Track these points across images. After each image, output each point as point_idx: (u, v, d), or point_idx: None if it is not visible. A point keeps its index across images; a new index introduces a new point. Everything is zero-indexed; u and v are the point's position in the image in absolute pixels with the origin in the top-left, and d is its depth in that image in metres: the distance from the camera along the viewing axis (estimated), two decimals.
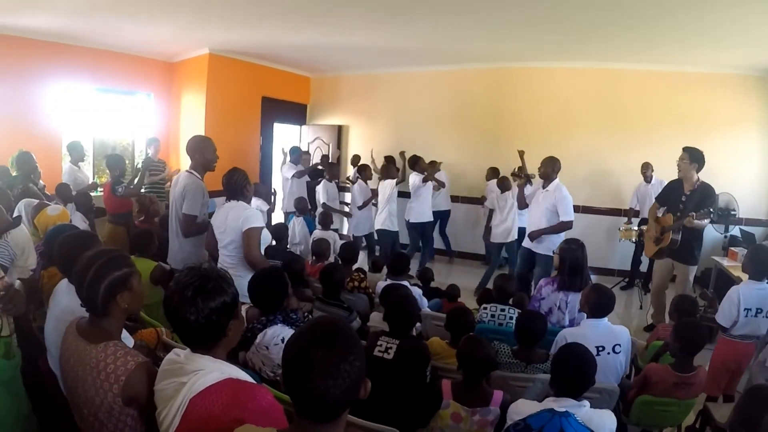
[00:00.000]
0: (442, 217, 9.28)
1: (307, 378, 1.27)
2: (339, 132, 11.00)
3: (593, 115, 8.82)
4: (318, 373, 1.27)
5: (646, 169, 7.89)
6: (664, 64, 8.23)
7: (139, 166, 7.90)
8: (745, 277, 4.18)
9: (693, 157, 5.38)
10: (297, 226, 7.37)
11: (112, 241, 5.86)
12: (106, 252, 2.10)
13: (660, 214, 5.70)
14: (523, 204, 6.44)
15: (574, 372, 2.42)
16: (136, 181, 6.75)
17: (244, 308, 3.27)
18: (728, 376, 4.06)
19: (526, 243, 6.09)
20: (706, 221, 5.21)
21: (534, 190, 6.21)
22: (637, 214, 7.94)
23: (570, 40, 7.34)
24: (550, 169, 5.90)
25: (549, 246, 5.80)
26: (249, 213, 4.01)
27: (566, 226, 5.78)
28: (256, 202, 6.43)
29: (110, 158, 6.49)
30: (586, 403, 2.38)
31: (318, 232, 6.89)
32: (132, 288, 2.07)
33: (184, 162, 4.48)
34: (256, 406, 1.62)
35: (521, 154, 6.89)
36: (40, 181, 6.26)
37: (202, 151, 4.45)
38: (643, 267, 7.80)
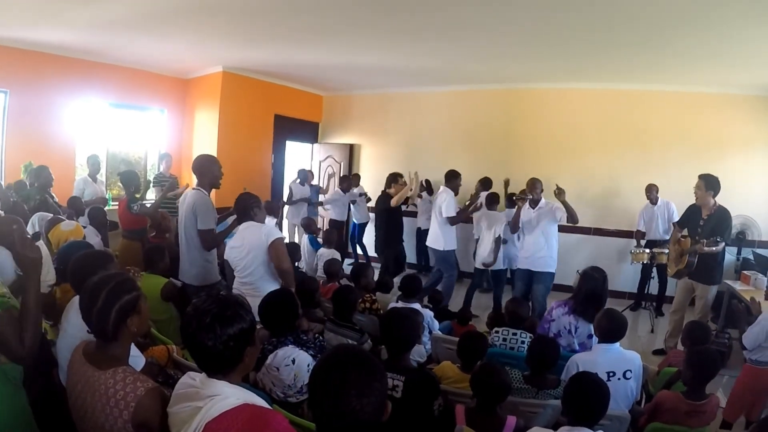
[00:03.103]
0: None
1: (343, 397, 1.32)
2: (350, 151, 11.03)
3: (604, 136, 8.80)
4: (354, 394, 1.32)
5: (650, 191, 7.86)
6: (675, 84, 8.21)
7: (151, 179, 7.97)
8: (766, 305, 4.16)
9: (709, 185, 5.49)
10: (302, 244, 7.39)
11: (126, 256, 5.86)
12: (113, 276, 2.10)
13: (680, 237, 5.82)
14: (516, 228, 6.58)
15: (589, 401, 2.42)
16: (152, 196, 6.79)
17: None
18: (752, 401, 4.04)
19: (524, 264, 6.47)
20: (717, 248, 5.30)
21: (527, 215, 6.49)
22: (643, 236, 7.90)
23: (581, 61, 7.37)
24: (539, 190, 6.40)
25: (548, 263, 6.25)
26: (267, 228, 4.11)
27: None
28: (269, 221, 6.46)
29: (124, 175, 6.51)
30: None
31: (324, 251, 6.86)
32: (141, 311, 2.07)
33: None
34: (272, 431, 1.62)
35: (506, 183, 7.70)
36: (53, 194, 6.31)
37: (208, 170, 4.53)
38: (653, 289, 7.77)
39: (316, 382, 1.41)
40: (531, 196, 6.45)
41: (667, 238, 7.44)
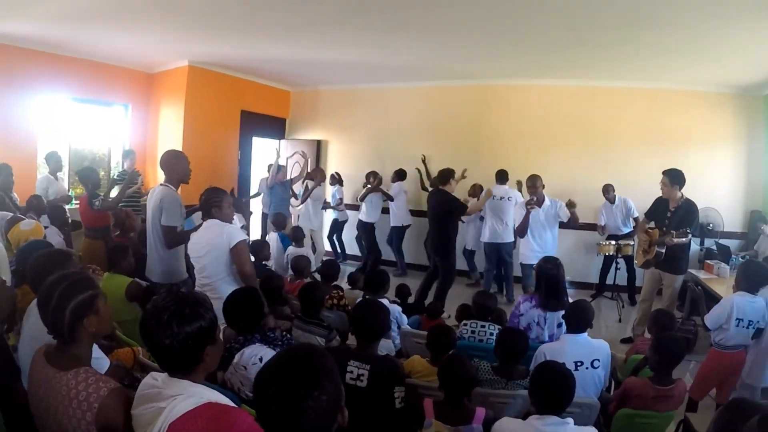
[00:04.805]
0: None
1: (284, 401, 1.28)
2: (318, 147, 10.97)
3: (571, 131, 8.94)
4: (294, 398, 1.28)
5: (608, 192, 8.05)
6: (640, 81, 8.40)
7: (115, 176, 7.80)
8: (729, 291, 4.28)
9: (673, 180, 5.60)
10: (272, 242, 7.31)
11: (89, 256, 5.75)
12: (69, 275, 2.06)
13: (648, 228, 5.93)
14: (523, 233, 6.58)
15: (554, 390, 2.43)
16: (115, 194, 6.66)
17: (221, 326, 3.22)
18: (717, 382, 4.16)
19: (533, 260, 6.05)
20: (685, 239, 5.43)
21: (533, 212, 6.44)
22: (604, 229, 8.13)
23: (548, 58, 7.44)
24: (541, 187, 6.35)
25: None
26: (230, 229, 3.98)
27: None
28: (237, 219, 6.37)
29: (82, 171, 6.36)
30: (570, 420, 2.38)
31: (293, 249, 6.82)
32: (98, 311, 2.03)
33: (161, 174, 4.47)
34: (237, 430, 1.59)
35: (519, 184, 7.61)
36: (14, 194, 6.16)
37: (176, 165, 4.45)
38: (621, 280, 7.90)
39: (257, 388, 1.38)
40: (536, 198, 6.41)
41: (625, 231, 7.82)
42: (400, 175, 9.35)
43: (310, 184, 8.90)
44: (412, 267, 9.63)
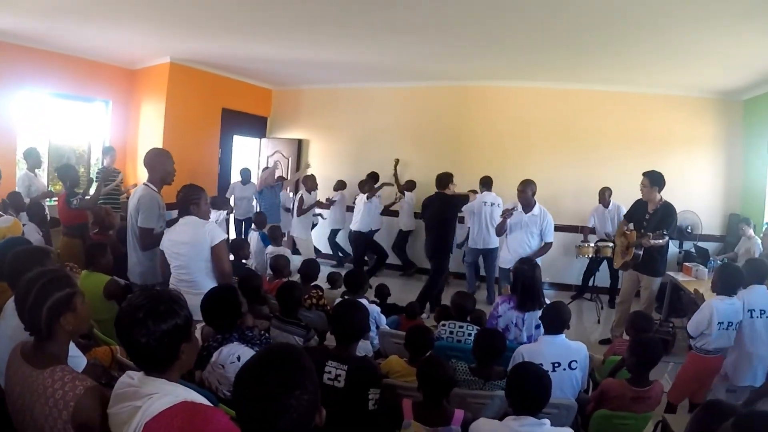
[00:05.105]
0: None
1: (262, 400, 1.28)
2: (299, 146, 10.92)
3: (551, 134, 9.00)
4: (272, 397, 1.28)
5: (604, 194, 8.06)
6: (620, 85, 8.47)
7: (93, 176, 7.71)
8: (711, 294, 4.35)
9: (653, 181, 5.64)
10: (252, 241, 7.25)
11: (67, 254, 5.69)
12: (47, 272, 2.06)
13: (626, 230, 5.93)
14: (501, 233, 6.45)
15: (530, 391, 2.45)
16: (92, 192, 6.58)
17: (199, 327, 3.22)
18: (696, 386, 4.19)
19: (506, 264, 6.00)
20: (662, 241, 5.46)
21: (518, 216, 6.13)
22: (593, 231, 8.11)
23: (530, 60, 7.49)
24: (530, 193, 6.02)
25: None
26: (211, 227, 3.94)
27: (549, 247, 6.03)
28: (215, 215, 6.31)
29: (61, 169, 6.30)
30: (546, 421, 2.40)
31: (272, 248, 6.78)
32: (75, 309, 2.03)
33: (141, 172, 4.41)
34: (212, 429, 1.59)
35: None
36: None
37: (159, 165, 4.36)
38: (601, 282, 7.97)
39: (236, 387, 1.37)
40: (515, 207, 6.12)
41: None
42: (375, 177, 9.38)
43: (306, 195, 8.73)
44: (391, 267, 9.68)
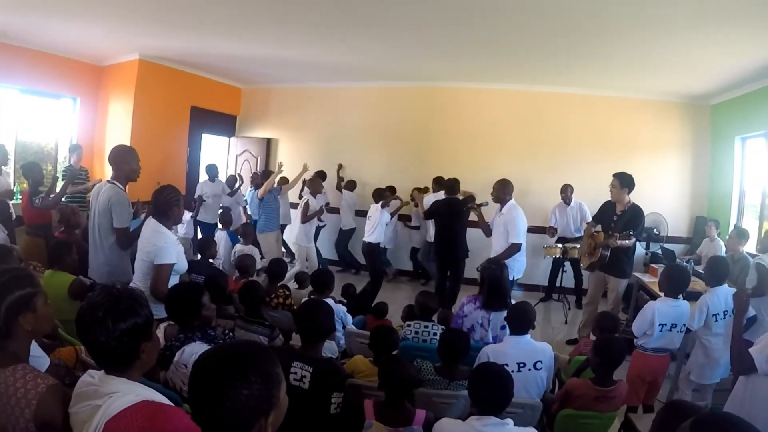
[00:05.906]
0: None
1: (211, 396, 1.25)
2: (268, 145, 10.88)
3: (519, 135, 9.10)
4: (218, 392, 1.24)
5: (566, 191, 8.15)
6: (588, 88, 8.59)
7: (59, 174, 7.54)
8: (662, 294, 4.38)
9: (623, 182, 5.72)
10: (221, 240, 7.15)
11: (29, 253, 5.59)
12: (9, 270, 2.03)
13: (594, 232, 6.01)
14: (488, 232, 6.34)
15: (493, 391, 2.46)
16: (57, 190, 6.45)
17: (162, 326, 3.20)
18: (645, 387, 4.21)
19: None
20: (629, 242, 5.55)
21: (496, 216, 6.17)
22: (555, 231, 8.08)
23: (498, 62, 7.57)
24: (501, 192, 6.01)
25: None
26: (162, 245, 3.63)
27: (513, 248, 5.85)
28: (185, 215, 6.19)
29: (25, 166, 6.22)
30: (510, 421, 2.41)
31: (240, 247, 6.73)
32: (36, 309, 1.99)
33: (108, 169, 4.32)
34: (173, 428, 1.58)
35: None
36: None
37: (125, 162, 4.26)
38: (567, 282, 8.07)
39: (190, 377, 1.34)
40: (481, 203, 6.33)
41: (577, 235, 7.83)
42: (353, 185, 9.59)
43: (311, 200, 8.00)
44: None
